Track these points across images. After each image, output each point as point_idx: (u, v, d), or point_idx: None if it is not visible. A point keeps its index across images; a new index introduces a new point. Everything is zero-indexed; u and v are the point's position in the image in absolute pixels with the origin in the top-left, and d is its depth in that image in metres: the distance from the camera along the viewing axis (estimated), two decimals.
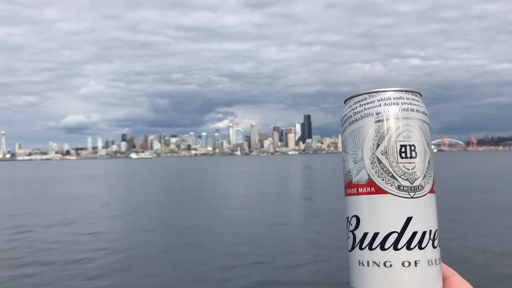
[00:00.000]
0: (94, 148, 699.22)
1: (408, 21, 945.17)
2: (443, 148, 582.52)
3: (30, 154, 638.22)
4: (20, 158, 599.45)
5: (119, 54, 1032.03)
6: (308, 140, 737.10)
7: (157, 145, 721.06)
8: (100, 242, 19.66)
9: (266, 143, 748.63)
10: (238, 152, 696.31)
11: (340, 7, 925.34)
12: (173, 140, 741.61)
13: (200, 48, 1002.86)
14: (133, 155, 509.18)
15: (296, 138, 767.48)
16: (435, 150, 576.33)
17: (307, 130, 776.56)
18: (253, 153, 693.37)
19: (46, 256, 16.98)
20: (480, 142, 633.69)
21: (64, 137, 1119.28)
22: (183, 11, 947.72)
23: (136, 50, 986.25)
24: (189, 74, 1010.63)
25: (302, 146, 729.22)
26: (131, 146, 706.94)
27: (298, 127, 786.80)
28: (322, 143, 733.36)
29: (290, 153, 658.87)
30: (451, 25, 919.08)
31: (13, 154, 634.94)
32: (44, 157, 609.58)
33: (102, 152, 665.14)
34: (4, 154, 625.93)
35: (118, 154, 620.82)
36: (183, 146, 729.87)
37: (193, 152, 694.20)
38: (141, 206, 35.58)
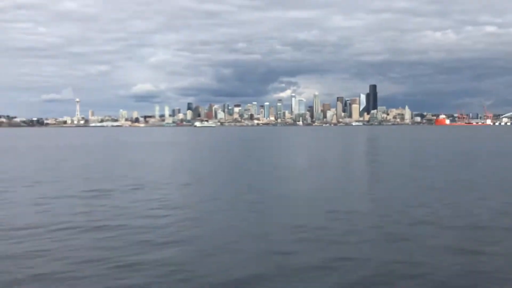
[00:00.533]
0: (162, 116, 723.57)
1: None
2: None
3: (102, 120, 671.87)
4: (93, 124, 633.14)
5: (185, 24, 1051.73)
6: (373, 111, 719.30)
7: (220, 114, 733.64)
8: (168, 209, 21.50)
9: (329, 113, 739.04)
10: (300, 123, 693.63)
11: None
12: (236, 109, 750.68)
13: (264, 17, 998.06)
14: (197, 124, 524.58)
15: (361, 108, 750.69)
16: (508, 123, 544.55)
17: (372, 100, 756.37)
18: (315, 123, 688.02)
19: (116, 221, 19.13)
20: None
21: (134, 105, 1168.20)
22: None
23: (202, 19, 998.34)
24: (253, 43, 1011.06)
25: (366, 117, 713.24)
26: (196, 114, 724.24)
27: (363, 97, 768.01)
28: (387, 114, 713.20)
29: (353, 124, 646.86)
30: None
31: (86, 121, 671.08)
32: (115, 123, 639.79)
33: (169, 120, 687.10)
34: (79, 120, 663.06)
35: (184, 122, 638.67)
36: (245, 116, 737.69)
37: (255, 121, 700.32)
38: (207, 174, 38.15)
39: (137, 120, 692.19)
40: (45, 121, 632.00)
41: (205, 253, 14.44)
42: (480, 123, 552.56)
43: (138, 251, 14.52)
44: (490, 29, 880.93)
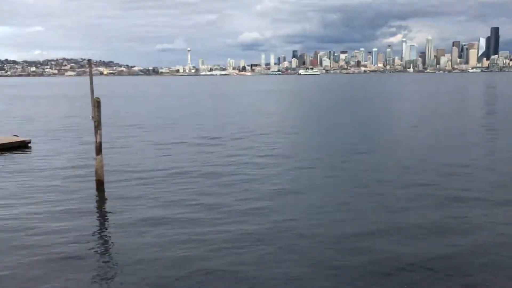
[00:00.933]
0: (267, 64, 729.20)
1: None
2: None
3: (211, 69, 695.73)
4: (203, 73, 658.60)
5: None
6: (493, 57, 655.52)
7: (326, 62, 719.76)
8: (278, 158, 23.09)
9: (443, 59, 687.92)
10: (411, 69, 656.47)
11: None
12: (342, 56, 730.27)
13: None
14: (301, 72, 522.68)
15: (479, 54, 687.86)
16: None
17: (494, 45, 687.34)
18: (428, 70, 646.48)
19: (213, 168, 21.52)
20: None
21: (240, 54, 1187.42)
22: None
23: None
24: None
25: (485, 63, 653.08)
26: (301, 62, 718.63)
27: (482, 41, 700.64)
28: (511, 59, 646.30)
29: (470, 70, 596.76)
30: None
31: (197, 69, 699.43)
32: (223, 72, 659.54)
33: (274, 68, 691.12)
34: (190, 69, 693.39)
35: (289, 71, 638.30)
36: (352, 63, 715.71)
37: (362, 68, 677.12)
38: (310, 125, 39.49)
39: (243, 69, 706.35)
40: (160, 70, 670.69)
41: (316, 205, 15.08)
42: None
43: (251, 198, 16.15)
44: None
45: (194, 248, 11.56)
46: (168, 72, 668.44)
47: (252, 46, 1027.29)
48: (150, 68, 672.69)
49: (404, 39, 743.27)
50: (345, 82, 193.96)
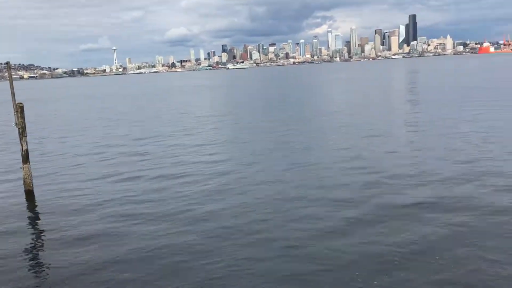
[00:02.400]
0: (197, 60, 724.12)
1: None
2: None
3: (139, 67, 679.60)
4: (131, 71, 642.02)
5: None
6: (413, 43, 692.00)
7: (256, 55, 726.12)
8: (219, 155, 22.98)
9: (367, 47, 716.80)
10: (337, 59, 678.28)
11: None
12: (271, 49, 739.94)
13: None
14: (230, 66, 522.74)
15: (400, 40, 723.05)
16: None
17: (412, 31, 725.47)
18: (353, 59, 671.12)
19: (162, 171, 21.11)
20: None
21: (169, 50, 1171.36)
22: None
23: None
24: None
25: (406, 49, 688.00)
26: (231, 56, 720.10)
27: (402, 28, 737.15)
28: (428, 45, 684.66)
29: (393, 57, 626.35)
30: None
31: (124, 68, 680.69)
32: (152, 70, 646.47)
33: (204, 63, 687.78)
34: (117, 68, 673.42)
35: (220, 65, 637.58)
36: (281, 55, 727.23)
37: (291, 60, 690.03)
38: (245, 116, 39.80)
39: (173, 65, 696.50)
40: (85, 71, 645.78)
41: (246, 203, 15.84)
42: None
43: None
44: None
45: (127, 264, 10.78)
46: (94, 73, 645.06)
47: (180, 42, 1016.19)
48: (75, 69, 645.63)
49: (329, 30, 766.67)
50: (272, 74, 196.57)
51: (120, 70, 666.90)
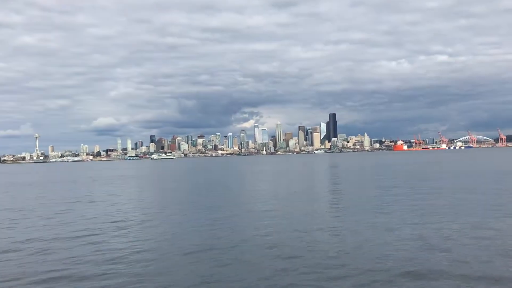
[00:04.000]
0: (124, 149, 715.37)
1: (435, 17, 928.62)
2: (470, 145, 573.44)
3: (62, 156, 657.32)
4: (53, 160, 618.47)
5: (147, 57, 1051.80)
6: (333, 139, 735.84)
7: (184, 146, 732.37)
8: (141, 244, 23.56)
9: (292, 142, 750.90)
10: (264, 152, 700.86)
11: (365, 5, 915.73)
12: (200, 140, 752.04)
13: (226, 49, 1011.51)
14: (155, 156, 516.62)
15: (322, 137, 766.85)
16: (462, 147, 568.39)
17: (333, 128, 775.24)
18: (279, 152, 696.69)
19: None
20: (510, 139, 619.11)
21: (95, 139, 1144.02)
22: (209, 13, 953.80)
23: (164, 53, 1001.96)
24: (215, 75, 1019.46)
25: (327, 145, 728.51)
26: (160, 147, 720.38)
27: (323, 126, 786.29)
28: (348, 141, 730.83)
29: (316, 152, 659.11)
30: (480, 20, 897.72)
31: (46, 156, 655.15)
32: (76, 158, 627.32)
33: (131, 153, 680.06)
34: (38, 156, 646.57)
35: (147, 155, 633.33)
36: (209, 146, 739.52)
37: (219, 152, 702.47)
38: (168, 208, 40.78)
39: (99, 154, 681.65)
40: (3, 158, 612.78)
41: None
42: (436, 148, 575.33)
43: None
44: (441, 58, 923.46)
45: None
46: (12, 160, 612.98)
47: (107, 132, 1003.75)
48: None
49: (256, 124, 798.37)
50: (199, 165, 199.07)
51: (42, 157, 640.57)
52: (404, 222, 25.18)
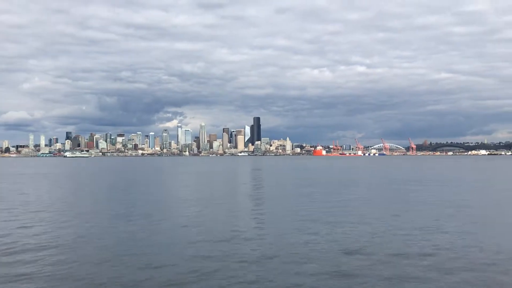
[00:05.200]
0: (37, 146, 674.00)
1: (356, 29, 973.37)
2: (384, 152, 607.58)
3: None
4: None
5: (65, 50, 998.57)
6: (257, 142, 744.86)
7: (103, 144, 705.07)
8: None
9: (216, 144, 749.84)
10: (187, 153, 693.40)
11: (291, 12, 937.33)
12: (119, 139, 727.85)
13: (150, 47, 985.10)
14: (68, 154, 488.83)
15: (246, 139, 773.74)
16: (376, 154, 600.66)
17: (257, 132, 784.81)
18: (202, 154, 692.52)
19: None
20: (419, 148, 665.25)
21: (4, 133, 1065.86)
22: (134, 9, 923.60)
23: (84, 46, 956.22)
24: (138, 72, 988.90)
25: (251, 147, 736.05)
26: (76, 144, 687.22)
27: (247, 129, 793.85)
28: (270, 145, 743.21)
29: (239, 154, 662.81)
30: (396, 35, 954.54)
31: None
32: None
33: (45, 150, 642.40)
34: None
35: (62, 152, 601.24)
36: (129, 146, 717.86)
37: (140, 151, 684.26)
38: (80, 208, 38.30)
39: (7, 150, 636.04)
40: None
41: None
42: (352, 154, 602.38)
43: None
44: (360, 68, 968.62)
45: None
46: None
47: (18, 126, 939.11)
48: None
49: (179, 125, 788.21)
50: (116, 164, 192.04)
51: None
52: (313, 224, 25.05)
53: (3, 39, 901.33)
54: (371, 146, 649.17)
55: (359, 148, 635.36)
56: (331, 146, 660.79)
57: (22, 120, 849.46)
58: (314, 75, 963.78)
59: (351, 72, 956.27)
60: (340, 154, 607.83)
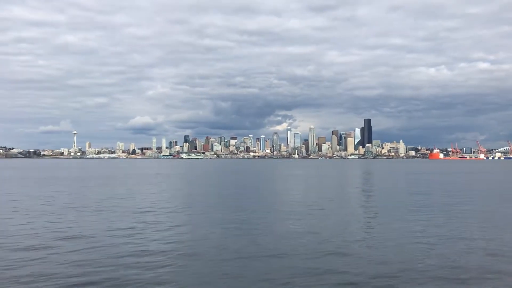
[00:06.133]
0: (158, 148, 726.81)
1: (477, 23, 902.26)
2: (511, 156, 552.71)
3: (98, 152, 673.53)
4: (89, 156, 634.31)
5: (184, 58, 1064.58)
6: (367, 145, 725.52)
7: (217, 147, 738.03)
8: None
9: (324, 146, 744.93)
10: (296, 155, 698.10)
11: (404, 10, 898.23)
12: (232, 142, 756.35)
13: (262, 52, 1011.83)
14: (184, 156, 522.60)
15: (355, 142, 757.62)
16: (501, 158, 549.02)
17: (367, 134, 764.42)
18: (311, 156, 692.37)
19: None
20: None
21: (131, 137, 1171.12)
22: (247, 16, 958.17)
23: (201, 54, 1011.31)
24: (251, 77, 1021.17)
25: (361, 150, 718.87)
26: (193, 147, 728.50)
27: (357, 131, 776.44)
28: (382, 148, 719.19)
29: (349, 157, 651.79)
30: None
31: (83, 152, 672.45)
32: (112, 155, 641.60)
33: (165, 152, 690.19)
34: (76, 152, 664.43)
35: (181, 154, 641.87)
36: (242, 148, 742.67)
37: (251, 154, 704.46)
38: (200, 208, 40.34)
39: (134, 152, 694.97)
40: (42, 153, 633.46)
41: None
42: (473, 158, 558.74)
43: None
44: (483, 65, 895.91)
45: None
46: (51, 155, 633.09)
47: (143, 130, 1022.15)
48: (31, 150, 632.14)
49: (289, 128, 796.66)
50: (231, 166, 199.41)
51: (79, 153, 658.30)
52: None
53: (131, 50, 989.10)
54: (495, 149, 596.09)
55: (481, 151, 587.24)
56: (449, 149, 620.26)
57: (146, 125, 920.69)
58: (430, 73, 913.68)
59: (473, 69, 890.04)
60: (459, 157, 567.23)
